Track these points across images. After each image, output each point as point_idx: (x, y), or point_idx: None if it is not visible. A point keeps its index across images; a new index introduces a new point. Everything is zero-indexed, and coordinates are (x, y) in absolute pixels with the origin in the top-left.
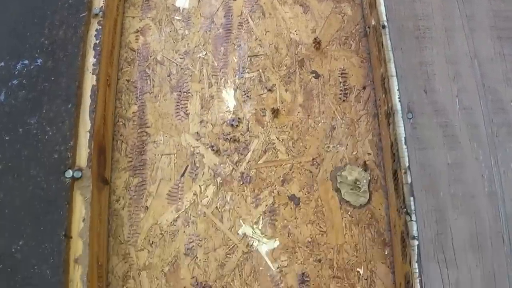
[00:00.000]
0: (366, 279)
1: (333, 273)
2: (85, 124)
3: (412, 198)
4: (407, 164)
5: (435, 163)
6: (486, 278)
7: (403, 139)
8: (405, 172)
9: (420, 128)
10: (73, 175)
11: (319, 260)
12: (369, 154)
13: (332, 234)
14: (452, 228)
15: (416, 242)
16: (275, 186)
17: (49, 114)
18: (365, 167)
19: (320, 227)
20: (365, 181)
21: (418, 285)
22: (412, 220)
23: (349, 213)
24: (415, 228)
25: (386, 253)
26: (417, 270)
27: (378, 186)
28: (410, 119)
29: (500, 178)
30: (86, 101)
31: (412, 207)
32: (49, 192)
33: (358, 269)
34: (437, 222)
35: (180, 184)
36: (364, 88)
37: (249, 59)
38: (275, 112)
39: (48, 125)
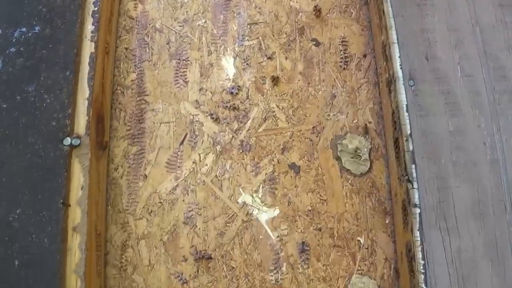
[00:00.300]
0: (367, 248)
1: (333, 242)
2: (84, 92)
3: (413, 166)
4: (408, 132)
5: (436, 130)
6: (488, 245)
7: (404, 106)
8: (407, 140)
9: (422, 95)
10: (71, 143)
11: (320, 229)
12: (369, 122)
13: (333, 202)
14: (454, 195)
15: (417, 210)
16: (275, 154)
17: (47, 82)
18: (365, 130)
19: (320, 195)
20: (365, 149)
21: (420, 253)
22: (413, 188)
23: (349, 181)
24: (416, 196)
25: (387, 222)
26: (418, 238)
27: (379, 154)
28: (411, 86)
29: (502, 146)
30: (85, 68)
31: (414, 175)
32: (47, 160)
33: (358, 238)
34: (439, 189)
35: (179, 153)
36: (364, 56)
37: (248, 27)
38: (275, 80)
39: (46, 93)
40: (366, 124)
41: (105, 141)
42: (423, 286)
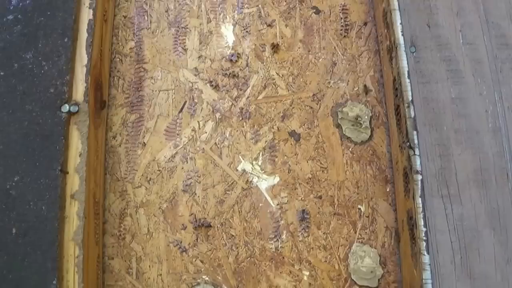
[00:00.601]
0: (368, 217)
1: (334, 210)
2: (82, 59)
3: (415, 132)
4: (410, 98)
5: (438, 97)
6: (491, 214)
7: (406, 72)
8: (408, 106)
9: (423, 62)
10: (69, 110)
11: (320, 197)
12: (370, 90)
13: (333, 170)
14: (456, 163)
15: (419, 177)
16: (275, 122)
17: (45, 49)
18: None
19: (320, 163)
20: (366, 117)
21: (422, 220)
22: (415, 155)
23: (350, 149)
24: (418, 162)
25: (387, 190)
26: (420, 205)
27: (380, 122)
28: (413, 53)
29: (504, 114)
30: (83, 35)
31: (416, 141)
32: (45, 127)
33: (359, 206)
34: (440, 156)
35: (178, 120)
36: (365, 24)
37: None
38: (275, 48)
39: (44, 60)
40: (365, 85)
41: (103, 101)
42: (425, 253)
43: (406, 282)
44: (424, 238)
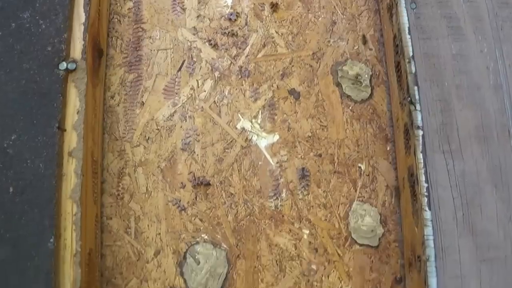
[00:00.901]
0: (368, 175)
1: (334, 168)
2: (80, 17)
3: (416, 88)
4: (411, 54)
5: (439, 53)
6: (492, 170)
7: (406, 28)
8: (409, 62)
9: (424, 18)
10: (67, 67)
11: (320, 155)
12: (370, 49)
13: (333, 128)
14: (457, 118)
15: (420, 132)
16: (275, 80)
17: (42, 8)
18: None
19: (320, 121)
20: (366, 75)
21: (423, 176)
22: (416, 110)
23: (350, 107)
24: (419, 117)
25: (388, 149)
26: (422, 161)
27: (380, 81)
28: (413, 9)
29: (505, 71)
30: None
31: (417, 97)
32: (42, 85)
33: (359, 165)
34: (442, 112)
35: (177, 79)
36: None
37: None
38: (274, 6)
39: (42, 19)
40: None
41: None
42: (427, 209)
43: (407, 241)
44: (426, 194)
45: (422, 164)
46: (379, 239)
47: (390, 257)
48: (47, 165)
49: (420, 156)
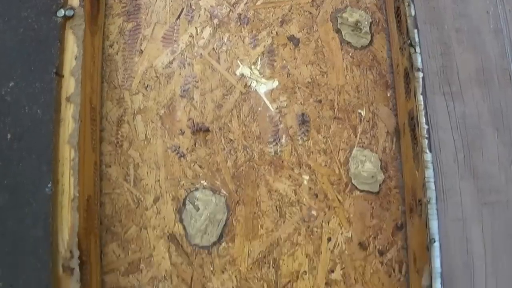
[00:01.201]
0: (368, 121)
1: (333, 114)
2: None
3: (416, 30)
4: None
5: None
6: (494, 113)
7: None
8: (409, 5)
9: None
10: (65, 14)
11: (320, 101)
12: None
13: (333, 75)
14: (458, 61)
15: (420, 74)
16: (274, 27)
17: None
18: None
19: (320, 67)
20: (366, 22)
21: (423, 118)
22: (416, 52)
23: (350, 54)
24: (419, 60)
25: (388, 95)
26: (422, 103)
27: (380, 28)
28: None
29: (505, 16)
30: None
31: (416, 39)
32: (40, 32)
33: (359, 111)
34: (442, 55)
35: (175, 27)
36: None
37: None
38: None
39: None
40: None
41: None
42: (427, 151)
43: (407, 187)
44: (426, 135)
45: (422, 105)
46: (380, 185)
47: (391, 203)
48: (45, 110)
49: (420, 98)
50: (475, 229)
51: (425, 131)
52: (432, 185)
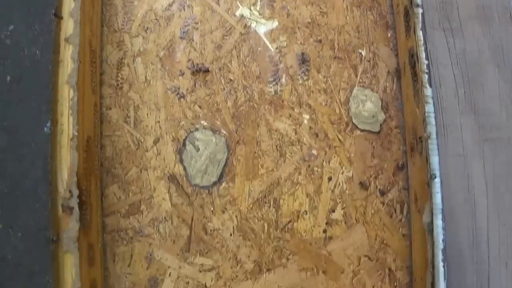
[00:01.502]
0: (369, 61)
1: (334, 54)
2: None
3: None
4: None
5: None
6: (494, 50)
7: None
8: None
9: None
10: None
11: (320, 41)
12: None
13: (333, 15)
14: None
15: (420, 10)
16: None
17: None
18: None
19: (320, 8)
20: None
21: (423, 53)
22: None
23: None
24: None
25: (389, 35)
26: (421, 38)
27: None
28: None
29: None
30: None
31: None
32: None
33: (360, 51)
34: None
35: None
36: None
37: None
38: None
39: None
40: None
41: None
42: (427, 86)
43: (408, 126)
44: (426, 70)
45: (422, 41)
46: (381, 125)
47: (392, 143)
48: (44, 51)
49: (420, 33)
50: (476, 166)
51: (425, 66)
52: (432, 120)
